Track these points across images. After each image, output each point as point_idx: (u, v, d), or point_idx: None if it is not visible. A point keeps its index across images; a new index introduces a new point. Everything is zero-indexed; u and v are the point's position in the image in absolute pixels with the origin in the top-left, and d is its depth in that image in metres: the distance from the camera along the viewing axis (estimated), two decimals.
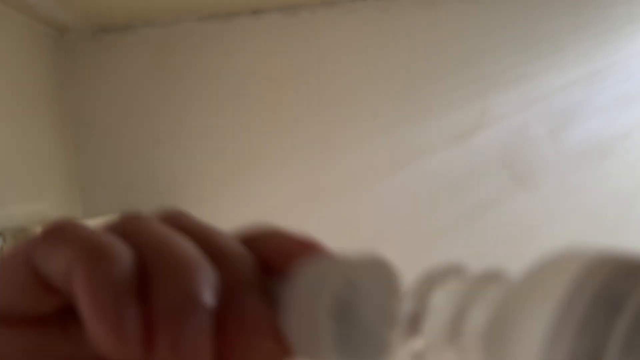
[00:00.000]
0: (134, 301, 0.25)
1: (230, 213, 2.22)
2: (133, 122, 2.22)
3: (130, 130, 2.22)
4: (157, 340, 0.24)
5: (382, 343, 0.28)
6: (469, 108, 2.13)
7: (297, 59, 2.19)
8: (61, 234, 0.27)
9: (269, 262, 0.31)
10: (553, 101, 2.12)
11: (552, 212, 2.14)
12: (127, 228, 0.28)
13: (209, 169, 2.21)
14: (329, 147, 2.18)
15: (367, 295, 0.30)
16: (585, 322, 0.19)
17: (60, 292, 0.26)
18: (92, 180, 2.22)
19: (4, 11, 1.86)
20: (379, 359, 0.28)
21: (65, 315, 0.27)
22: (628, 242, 2.12)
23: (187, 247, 0.28)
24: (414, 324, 0.27)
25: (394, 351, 0.29)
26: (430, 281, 0.28)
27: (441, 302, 0.26)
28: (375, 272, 0.32)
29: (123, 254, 0.26)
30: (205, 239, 0.30)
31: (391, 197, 2.17)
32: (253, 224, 0.34)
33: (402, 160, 2.16)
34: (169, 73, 2.21)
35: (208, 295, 0.26)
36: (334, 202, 2.17)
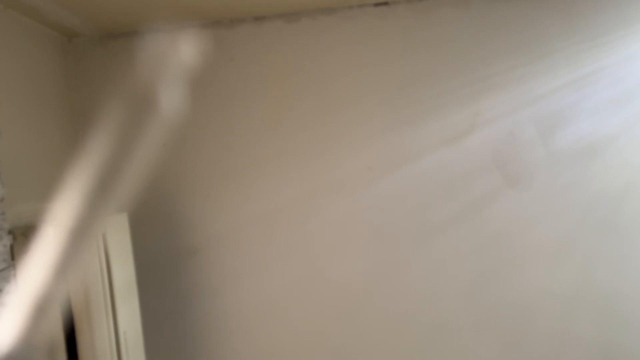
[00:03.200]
0: None
1: (232, 211, 2.27)
2: None
3: None
4: None
5: None
6: (462, 111, 2.17)
7: (298, 64, 2.23)
8: None
9: None
10: (544, 104, 2.16)
11: (542, 211, 2.18)
12: None
13: (212, 170, 2.25)
14: (328, 148, 2.22)
15: None
16: None
17: None
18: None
19: (13, 16, 1.90)
20: None
21: None
22: (616, 240, 2.16)
23: None
24: None
25: None
26: None
27: None
28: None
29: None
30: None
31: (387, 197, 2.20)
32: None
33: (398, 161, 2.20)
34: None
35: None
36: (333, 202, 2.22)
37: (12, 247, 1.64)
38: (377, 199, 2.20)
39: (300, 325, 2.24)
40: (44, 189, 1.95)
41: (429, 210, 2.19)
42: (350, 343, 2.23)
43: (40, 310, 0.36)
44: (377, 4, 2.21)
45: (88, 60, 2.27)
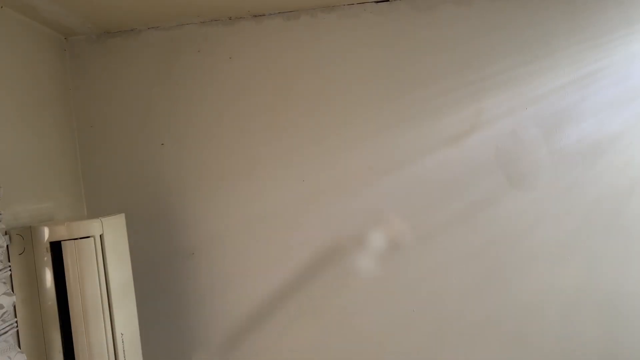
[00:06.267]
0: None
1: (230, 212, 2.25)
2: (136, 123, 2.25)
3: (134, 132, 2.26)
4: None
5: None
6: (465, 110, 2.16)
7: (297, 62, 2.22)
8: None
9: None
10: (547, 103, 2.15)
11: (546, 211, 2.16)
12: None
13: (210, 170, 2.24)
14: (328, 147, 2.20)
15: None
16: None
17: None
18: (96, 181, 2.26)
19: (10, 14, 1.89)
20: None
21: None
22: (621, 240, 2.15)
23: None
24: None
25: None
26: None
27: None
28: None
29: None
30: None
31: (389, 196, 2.19)
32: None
33: (399, 160, 2.19)
34: (172, 75, 2.25)
35: None
36: (333, 202, 2.20)
37: (8, 248, 1.64)
38: (378, 198, 2.19)
39: (300, 326, 2.23)
40: (41, 190, 1.94)
41: (431, 210, 2.18)
42: (351, 344, 2.22)
43: None
44: (378, 1, 2.20)
45: (85, 59, 2.26)
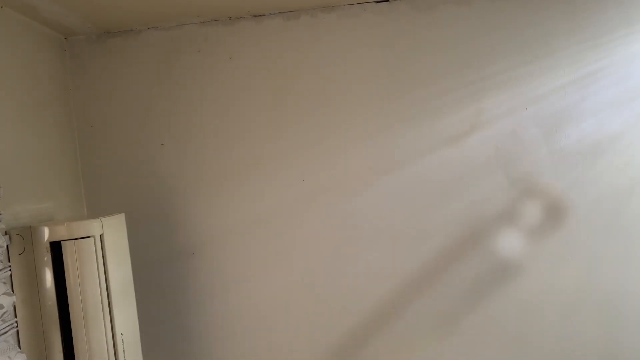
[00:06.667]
0: None
1: (230, 212, 2.26)
2: (136, 123, 2.25)
3: (134, 132, 2.26)
4: None
5: None
6: (464, 110, 2.16)
7: (297, 62, 2.22)
8: None
9: None
10: (547, 103, 2.15)
11: (546, 211, 2.16)
12: None
13: (210, 170, 2.24)
14: (328, 147, 2.21)
15: None
16: None
17: None
18: (96, 181, 2.26)
19: (10, 14, 1.89)
20: None
21: None
22: (621, 240, 2.15)
23: None
24: None
25: None
26: None
27: None
28: None
29: None
30: None
31: (389, 196, 2.19)
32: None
33: (399, 160, 2.19)
34: (172, 75, 2.25)
35: None
36: (333, 201, 2.20)
37: (8, 248, 1.64)
38: (378, 198, 2.19)
39: (299, 326, 2.23)
40: (41, 190, 1.94)
41: (431, 210, 2.18)
42: (351, 343, 2.23)
43: None
44: (378, 1, 2.20)
45: (85, 59, 2.27)
